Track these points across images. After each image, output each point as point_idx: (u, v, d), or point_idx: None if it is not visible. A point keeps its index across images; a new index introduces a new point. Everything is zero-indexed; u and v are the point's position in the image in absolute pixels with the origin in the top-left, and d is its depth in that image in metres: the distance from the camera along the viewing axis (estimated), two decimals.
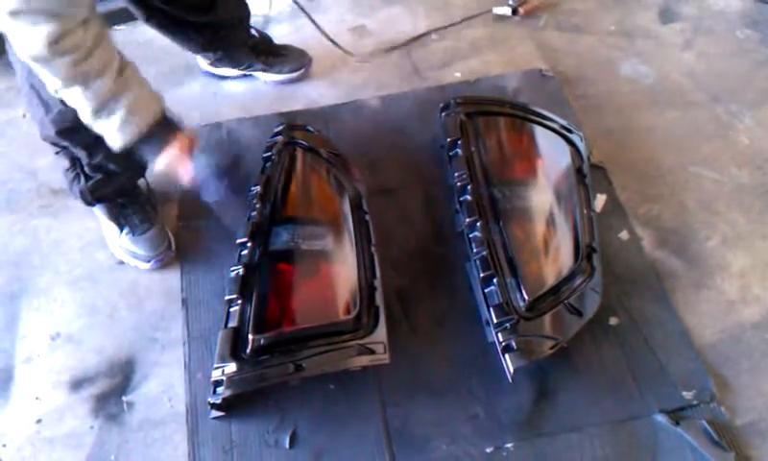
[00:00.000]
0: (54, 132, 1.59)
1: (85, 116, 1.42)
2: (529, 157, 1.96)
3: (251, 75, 2.32)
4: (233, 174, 1.68)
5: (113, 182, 1.76)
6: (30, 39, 1.26)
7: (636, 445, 1.54)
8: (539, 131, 2.00)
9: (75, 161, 1.72)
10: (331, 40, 2.22)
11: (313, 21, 2.15)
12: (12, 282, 1.85)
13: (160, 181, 1.98)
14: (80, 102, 1.39)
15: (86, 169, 1.71)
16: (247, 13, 2.18)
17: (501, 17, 2.55)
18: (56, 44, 1.27)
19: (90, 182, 1.73)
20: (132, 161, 1.78)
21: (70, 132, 1.59)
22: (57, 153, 1.72)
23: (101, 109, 1.40)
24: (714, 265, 1.85)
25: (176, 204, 1.98)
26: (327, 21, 2.20)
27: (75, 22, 1.29)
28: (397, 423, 1.58)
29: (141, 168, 1.84)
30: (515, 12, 2.54)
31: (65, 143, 1.64)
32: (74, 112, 1.51)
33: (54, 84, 1.36)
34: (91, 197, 1.77)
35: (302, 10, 2.13)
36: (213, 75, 2.33)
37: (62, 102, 1.49)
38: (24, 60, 1.33)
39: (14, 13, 1.23)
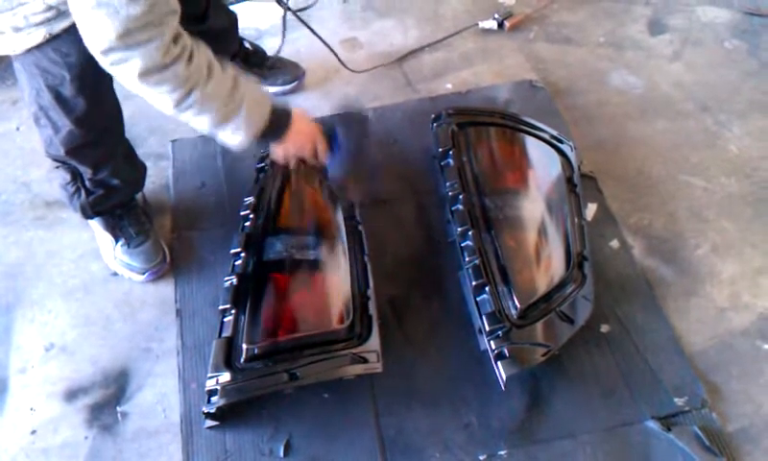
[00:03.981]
0: (63, 152, 1.59)
1: (207, 125, 1.41)
2: (520, 167, 1.98)
3: None
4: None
5: (114, 197, 1.78)
6: (145, 56, 1.22)
7: (629, 451, 1.55)
8: (529, 141, 2.01)
9: (76, 176, 1.71)
10: (332, 51, 2.25)
11: (312, 31, 2.17)
12: (7, 294, 1.85)
13: (155, 190, 2.00)
14: (201, 109, 1.36)
15: (88, 184, 1.72)
16: (234, 23, 2.19)
17: (489, 31, 2.58)
18: (168, 51, 1.24)
19: (91, 197, 1.74)
20: (134, 175, 1.80)
21: (79, 150, 1.60)
22: (57, 167, 1.72)
23: (224, 107, 1.39)
24: (704, 273, 1.87)
25: (169, 214, 1.99)
26: (320, 34, 2.22)
27: (173, 26, 1.26)
28: (391, 431, 1.59)
29: (141, 182, 1.87)
30: (500, 25, 2.57)
31: (72, 162, 1.65)
32: (83, 132, 1.54)
33: (169, 100, 1.32)
34: (91, 211, 1.78)
35: (300, 19, 2.15)
36: None
37: (73, 121, 1.50)
38: (138, 85, 1.27)
39: (125, 34, 1.19)
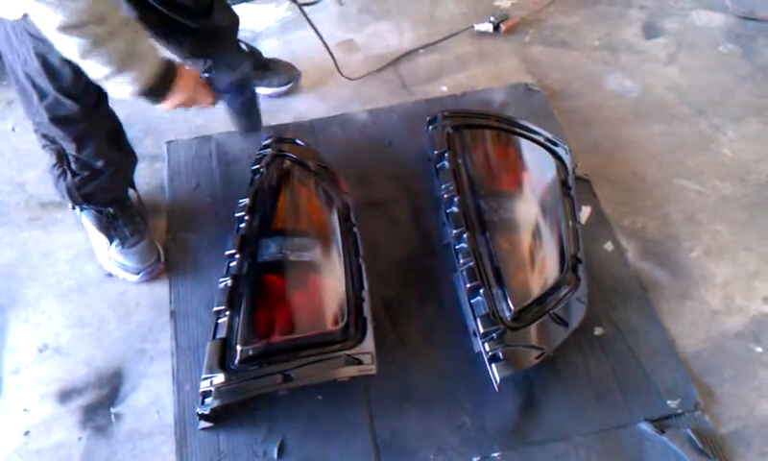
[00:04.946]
0: (47, 119, 1.59)
1: (104, 72, 1.43)
2: (515, 170, 1.98)
3: None
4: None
5: (99, 180, 1.76)
6: (72, 7, 1.30)
7: (622, 453, 1.55)
8: (524, 143, 2.02)
9: (62, 157, 1.72)
10: (331, 54, 2.26)
11: (316, 30, 2.18)
12: (1, 294, 1.85)
13: (150, 189, 2.00)
14: (103, 59, 1.40)
15: (73, 165, 1.72)
16: (236, 23, 2.19)
17: (485, 34, 2.59)
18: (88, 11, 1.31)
19: (77, 179, 1.74)
20: (119, 159, 1.80)
21: (63, 121, 1.60)
22: (44, 146, 1.73)
23: (124, 65, 1.43)
24: (698, 276, 1.87)
25: (164, 216, 1.99)
26: (316, 36, 2.22)
27: None
28: (385, 433, 1.59)
29: (129, 169, 1.86)
30: (496, 28, 2.58)
31: (57, 132, 1.65)
32: (68, 102, 1.56)
33: (82, 50, 1.37)
34: (77, 193, 1.77)
35: (305, 16, 2.17)
36: None
37: (58, 89, 1.52)
38: (57, 31, 1.33)
39: None
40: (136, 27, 1.48)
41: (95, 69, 1.42)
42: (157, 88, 1.54)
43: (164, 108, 1.63)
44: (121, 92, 1.50)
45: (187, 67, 1.65)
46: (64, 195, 1.79)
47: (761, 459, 1.56)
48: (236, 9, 2.14)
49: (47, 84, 1.51)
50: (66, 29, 1.33)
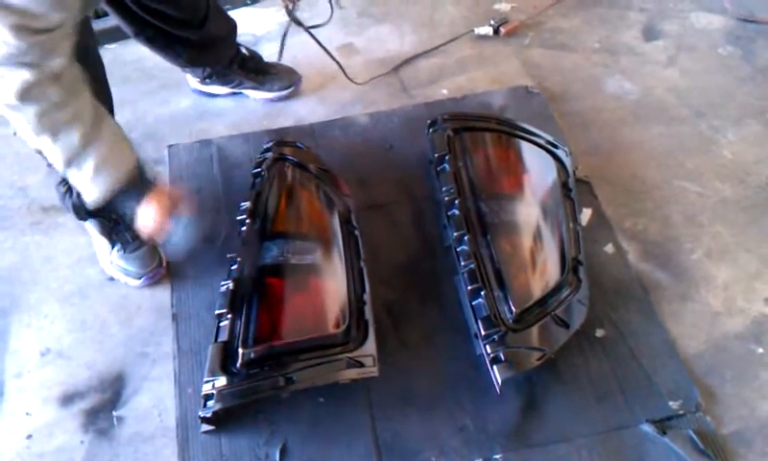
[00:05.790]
0: None
1: (59, 167, 1.44)
2: (516, 172, 1.99)
3: (240, 93, 2.34)
4: (211, 240, 1.67)
5: None
6: (2, 87, 1.29)
7: (624, 454, 1.55)
8: (525, 146, 2.02)
9: None
10: (338, 63, 2.26)
11: (323, 47, 2.19)
12: (3, 298, 1.85)
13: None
14: (51, 152, 1.41)
15: None
16: (233, 30, 2.20)
17: (485, 37, 2.59)
18: (26, 93, 1.30)
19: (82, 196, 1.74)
20: None
21: None
22: (49, 165, 1.73)
23: (71, 160, 1.42)
24: (699, 277, 1.88)
25: None
26: (316, 40, 2.23)
27: (50, 73, 1.31)
28: (387, 435, 1.59)
29: None
30: (496, 31, 2.58)
31: None
32: None
33: (27, 133, 1.38)
34: (83, 210, 1.78)
35: (312, 37, 2.17)
36: (203, 93, 2.35)
37: None
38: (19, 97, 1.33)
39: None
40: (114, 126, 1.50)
41: (52, 153, 1.42)
42: (133, 189, 1.52)
43: (137, 223, 1.58)
44: (85, 186, 1.48)
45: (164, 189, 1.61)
46: (70, 211, 1.80)
47: (763, 460, 1.56)
48: (237, 13, 2.15)
49: None
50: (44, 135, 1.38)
